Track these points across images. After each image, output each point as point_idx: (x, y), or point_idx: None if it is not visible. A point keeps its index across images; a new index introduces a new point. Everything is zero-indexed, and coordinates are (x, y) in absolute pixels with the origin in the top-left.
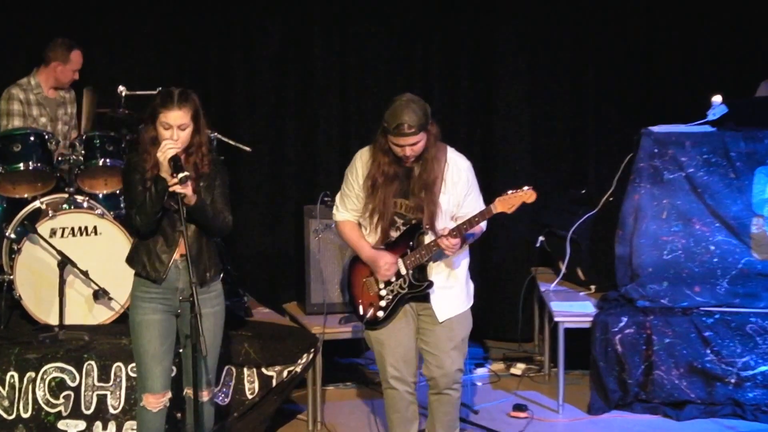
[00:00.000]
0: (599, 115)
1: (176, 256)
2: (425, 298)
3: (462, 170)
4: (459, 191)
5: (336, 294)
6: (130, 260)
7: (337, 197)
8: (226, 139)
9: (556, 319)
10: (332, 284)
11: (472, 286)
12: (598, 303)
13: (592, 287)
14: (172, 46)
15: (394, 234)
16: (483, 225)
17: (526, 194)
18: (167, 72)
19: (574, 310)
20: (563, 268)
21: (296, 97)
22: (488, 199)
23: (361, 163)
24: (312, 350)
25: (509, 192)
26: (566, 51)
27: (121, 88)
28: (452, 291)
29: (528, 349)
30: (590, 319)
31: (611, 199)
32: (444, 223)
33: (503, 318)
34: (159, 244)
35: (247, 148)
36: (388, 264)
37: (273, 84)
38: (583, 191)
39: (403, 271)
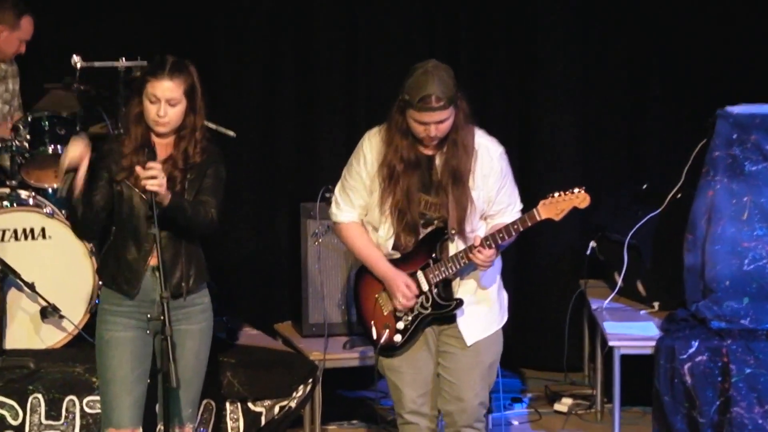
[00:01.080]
0: (665, 92)
1: (152, 262)
2: (451, 318)
3: (495, 158)
4: (491, 185)
5: (339, 312)
6: (100, 271)
7: (337, 191)
8: (205, 122)
9: (611, 343)
10: (335, 300)
11: (505, 296)
12: (662, 324)
13: (656, 304)
14: (138, 7)
15: (410, 239)
16: None
17: (578, 197)
18: (132, 39)
19: (632, 332)
20: (619, 281)
21: (292, 72)
22: (529, 201)
23: (370, 145)
24: (310, 381)
25: (556, 194)
26: (623, 17)
27: (75, 58)
28: (482, 307)
29: (576, 381)
30: (653, 343)
31: (679, 196)
32: (473, 224)
33: (545, 342)
34: (129, 250)
35: (231, 133)
36: (408, 292)
37: (264, 55)
38: (645, 186)
39: (425, 287)
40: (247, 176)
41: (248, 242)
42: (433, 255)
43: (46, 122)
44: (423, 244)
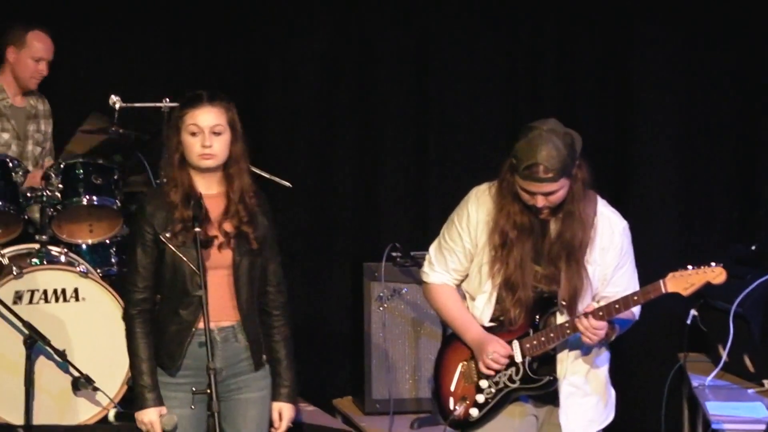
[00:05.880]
0: None
1: (211, 325)
2: (550, 399)
3: (616, 233)
4: (608, 261)
5: (407, 387)
6: None
7: (433, 249)
8: (258, 171)
9: (715, 426)
10: (401, 373)
11: (613, 393)
12: None
13: (765, 382)
14: (182, 44)
15: (520, 314)
16: (636, 311)
17: (714, 272)
18: (175, 79)
19: (739, 413)
20: (724, 355)
21: (352, 115)
22: None
23: (476, 204)
24: None
25: (689, 268)
26: (733, 45)
27: (114, 98)
28: (589, 400)
29: None
30: (762, 426)
31: None
32: (585, 302)
33: (639, 424)
34: (174, 318)
35: (287, 184)
36: (497, 355)
37: (320, 96)
38: (754, 247)
39: (519, 358)
40: (303, 232)
41: (303, 307)
42: (535, 322)
43: (81, 170)
44: (526, 313)
